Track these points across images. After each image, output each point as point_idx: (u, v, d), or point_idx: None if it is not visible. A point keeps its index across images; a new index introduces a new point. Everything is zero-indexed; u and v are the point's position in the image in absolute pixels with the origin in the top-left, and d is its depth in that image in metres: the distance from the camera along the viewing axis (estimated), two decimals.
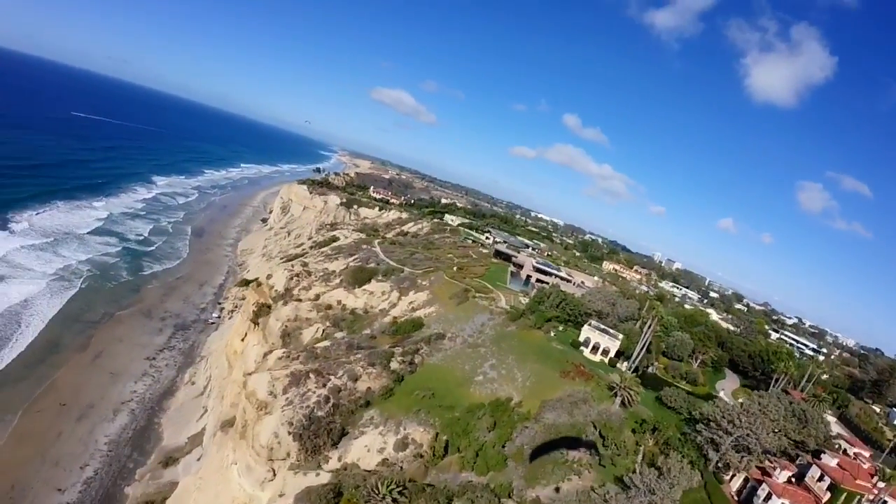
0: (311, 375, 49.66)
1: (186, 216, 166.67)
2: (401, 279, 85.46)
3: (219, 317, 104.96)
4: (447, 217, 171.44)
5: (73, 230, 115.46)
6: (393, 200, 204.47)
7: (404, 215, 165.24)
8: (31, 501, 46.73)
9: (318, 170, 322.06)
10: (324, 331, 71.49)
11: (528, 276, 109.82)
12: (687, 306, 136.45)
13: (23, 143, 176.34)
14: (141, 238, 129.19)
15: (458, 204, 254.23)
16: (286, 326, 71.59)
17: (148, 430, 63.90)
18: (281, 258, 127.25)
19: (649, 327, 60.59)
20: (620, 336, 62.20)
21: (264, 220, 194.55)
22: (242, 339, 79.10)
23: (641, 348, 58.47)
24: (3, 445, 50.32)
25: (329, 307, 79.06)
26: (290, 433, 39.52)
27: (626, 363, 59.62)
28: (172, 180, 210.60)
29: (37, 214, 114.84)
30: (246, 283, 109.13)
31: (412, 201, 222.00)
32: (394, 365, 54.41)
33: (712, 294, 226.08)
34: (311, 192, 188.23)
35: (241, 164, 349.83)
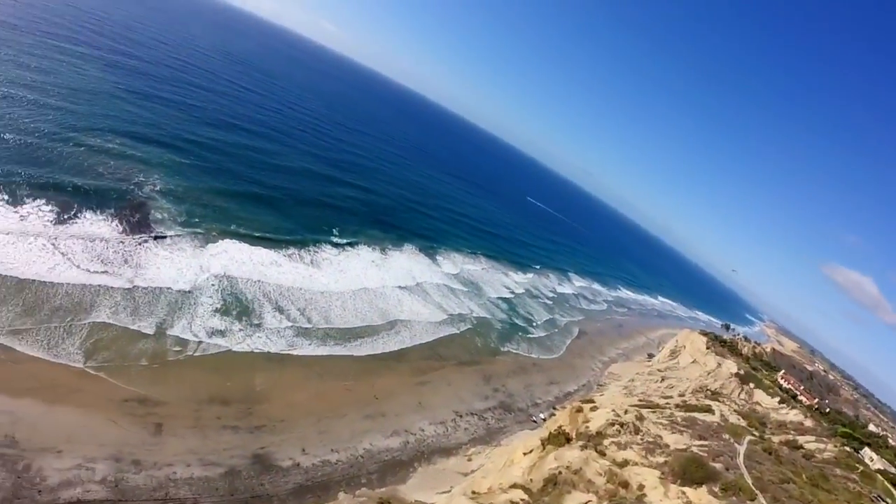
0: None
1: (583, 320, 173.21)
2: None
3: (544, 419, 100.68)
4: (866, 451, 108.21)
5: (484, 288, 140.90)
6: (802, 398, 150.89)
7: (808, 423, 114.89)
8: (281, 438, 56.39)
9: (727, 326, 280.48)
10: None
11: None
12: None
13: (487, 212, 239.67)
14: (530, 320, 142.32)
15: (891, 441, 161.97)
16: (560, 473, 58.57)
17: (402, 467, 65.88)
18: (638, 399, 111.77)
19: None
20: None
21: (650, 356, 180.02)
22: (525, 454, 71.59)
23: None
24: (309, 395, 63.62)
25: (624, 485, 59.51)
26: None
27: None
28: (588, 285, 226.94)
29: (465, 264, 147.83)
30: (588, 403, 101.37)
31: (827, 410, 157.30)
32: None
33: None
34: (707, 348, 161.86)
35: (659, 297, 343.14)
